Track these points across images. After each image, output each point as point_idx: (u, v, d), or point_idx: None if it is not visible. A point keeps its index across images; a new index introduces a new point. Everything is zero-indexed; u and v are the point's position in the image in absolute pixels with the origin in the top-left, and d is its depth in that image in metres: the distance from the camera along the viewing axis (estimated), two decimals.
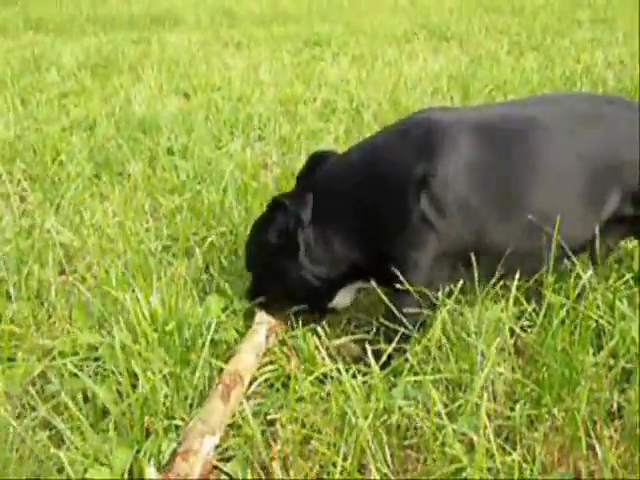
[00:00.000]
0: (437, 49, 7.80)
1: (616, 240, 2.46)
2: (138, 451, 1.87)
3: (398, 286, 2.17)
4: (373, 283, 2.32)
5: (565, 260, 2.33)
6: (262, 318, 2.37)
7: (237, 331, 2.39)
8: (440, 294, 2.21)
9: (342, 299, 2.43)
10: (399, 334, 2.15)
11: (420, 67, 6.57)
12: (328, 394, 2.00)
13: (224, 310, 2.46)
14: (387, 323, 2.20)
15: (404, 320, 2.17)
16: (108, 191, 3.68)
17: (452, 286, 2.22)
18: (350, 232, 2.29)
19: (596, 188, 2.26)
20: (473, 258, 2.18)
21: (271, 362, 2.27)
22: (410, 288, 2.16)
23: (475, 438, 1.71)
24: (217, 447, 1.92)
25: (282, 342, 2.36)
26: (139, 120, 4.87)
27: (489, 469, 1.69)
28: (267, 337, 2.31)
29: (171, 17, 11.08)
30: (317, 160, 2.47)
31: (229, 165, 3.70)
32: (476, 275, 2.17)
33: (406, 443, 1.88)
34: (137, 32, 9.75)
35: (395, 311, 2.18)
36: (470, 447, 1.77)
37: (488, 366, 1.88)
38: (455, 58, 7.10)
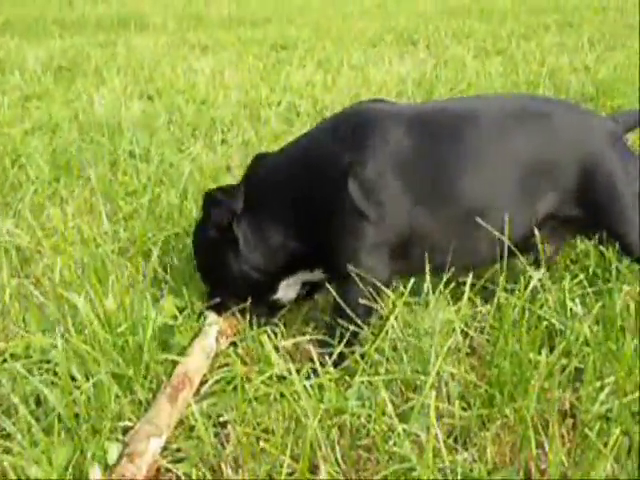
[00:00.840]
0: (403, 53, 7.83)
1: (562, 241, 2.47)
2: (84, 452, 1.85)
3: (348, 267, 2.18)
4: (318, 275, 2.33)
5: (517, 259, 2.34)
6: (212, 320, 2.36)
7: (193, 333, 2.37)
8: (387, 284, 2.23)
9: (286, 292, 2.43)
10: (350, 330, 2.16)
11: (386, 71, 6.58)
12: (281, 395, 1.99)
13: (181, 311, 2.45)
14: (337, 318, 2.20)
15: (352, 311, 2.17)
16: (67, 194, 3.65)
17: (402, 284, 2.24)
18: (285, 222, 2.31)
19: (528, 185, 2.27)
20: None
21: (226, 364, 2.26)
22: (354, 274, 2.17)
23: (423, 437, 1.71)
24: (167, 448, 1.91)
25: (236, 343, 2.35)
26: (101, 123, 4.83)
27: (439, 469, 1.69)
28: (217, 339, 2.29)
29: (138, 20, 11.02)
30: (260, 160, 2.49)
31: (188, 167, 3.68)
32: (427, 268, 2.18)
33: (358, 443, 1.88)
34: (103, 35, 9.70)
35: (342, 303, 2.18)
36: (422, 447, 1.78)
37: (437, 366, 1.88)
38: (421, 62, 7.13)
